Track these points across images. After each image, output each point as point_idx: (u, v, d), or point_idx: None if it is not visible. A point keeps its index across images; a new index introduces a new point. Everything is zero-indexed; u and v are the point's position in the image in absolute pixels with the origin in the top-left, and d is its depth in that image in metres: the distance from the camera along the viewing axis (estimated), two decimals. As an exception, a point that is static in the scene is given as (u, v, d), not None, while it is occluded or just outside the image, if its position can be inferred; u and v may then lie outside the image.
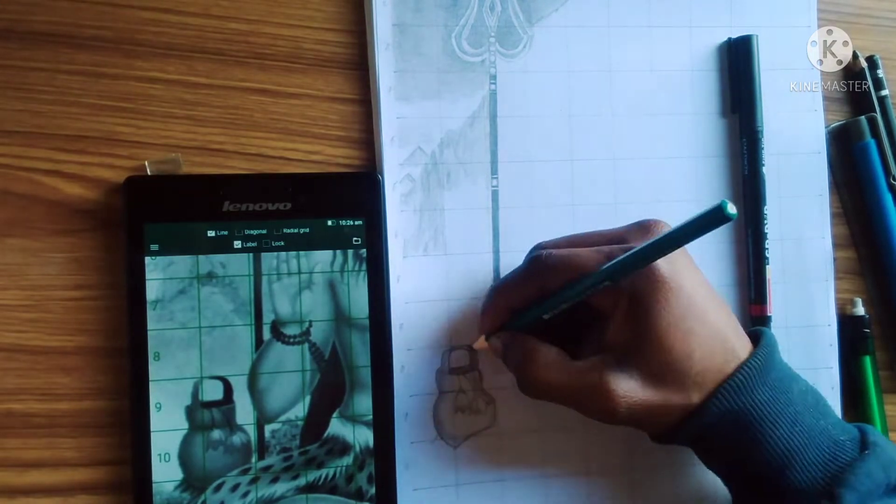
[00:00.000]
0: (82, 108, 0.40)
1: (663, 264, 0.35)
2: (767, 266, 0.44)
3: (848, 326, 0.46)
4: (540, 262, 0.37)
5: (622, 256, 0.34)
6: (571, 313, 0.37)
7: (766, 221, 0.44)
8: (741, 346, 0.36)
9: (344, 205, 0.40)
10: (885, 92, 0.47)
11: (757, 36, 0.45)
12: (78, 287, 0.39)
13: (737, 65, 0.45)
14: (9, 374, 0.38)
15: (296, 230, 0.40)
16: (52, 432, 0.39)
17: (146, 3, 0.40)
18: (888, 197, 0.46)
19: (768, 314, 0.44)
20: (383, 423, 0.40)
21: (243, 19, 0.41)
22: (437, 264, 0.42)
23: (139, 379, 0.38)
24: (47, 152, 0.39)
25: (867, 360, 0.46)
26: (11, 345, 0.39)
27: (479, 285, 0.42)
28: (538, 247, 0.39)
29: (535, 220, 0.43)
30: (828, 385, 0.45)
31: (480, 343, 0.40)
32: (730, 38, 0.45)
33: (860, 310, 0.46)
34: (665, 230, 0.36)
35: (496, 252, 0.43)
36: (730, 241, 0.45)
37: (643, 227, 0.37)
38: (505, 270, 0.42)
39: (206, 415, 0.38)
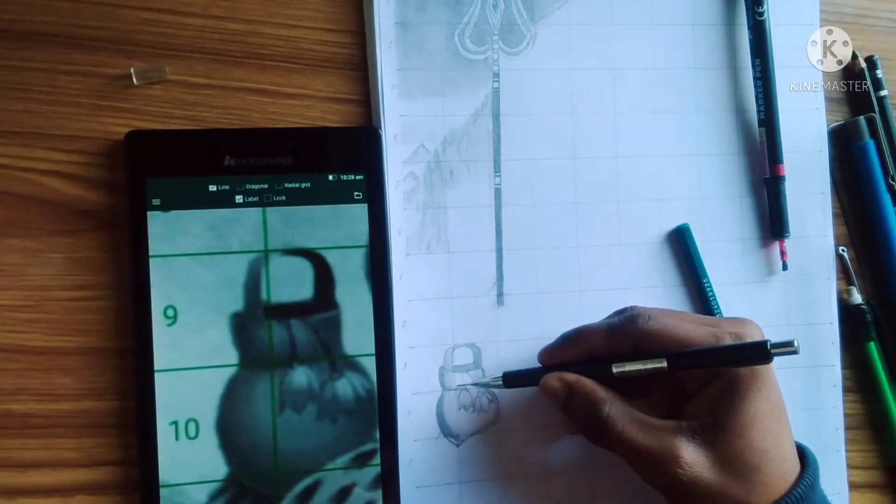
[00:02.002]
0: (81, 109, 0.40)
1: None
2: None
3: (847, 317, 0.46)
4: (643, 324, 0.37)
5: (699, 349, 0.35)
6: None
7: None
8: (796, 459, 0.37)
9: (345, 159, 0.41)
10: (884, 92, 0.47)
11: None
12: (77, 287, 0.39)
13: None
14: (8, 375, 0.38)
15: (297, 185, 0.40)
16: (51, 433, 0.39)
17: (145, 4, 0.40)
18: (887, 197, 0.46)
19: (782, 174, 0.45)
20: (386, 421, 0.40)
21: (242, 20, 0.41)
22: (439, 262, 0.42)
23: (144, 347, 0.38)
24: (46, 152, 0.39)
25: (871, 346, 0.46)
26: (11, 345, 0.39)
27: (481, 283, 0.42)
28: (631, 309, 0.39)
29: (537, 218, 0.43)
30: (829, 383, 0.45)
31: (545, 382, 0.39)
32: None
33: (857, 298, 0.46)
34: (756, 332, 0.37)
35: (499, 250, 0.43)
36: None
37: (738, 322, 0.38)
38: (508, 268, 0.43)
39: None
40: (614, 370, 0.37)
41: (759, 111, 0.45)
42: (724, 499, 0.35)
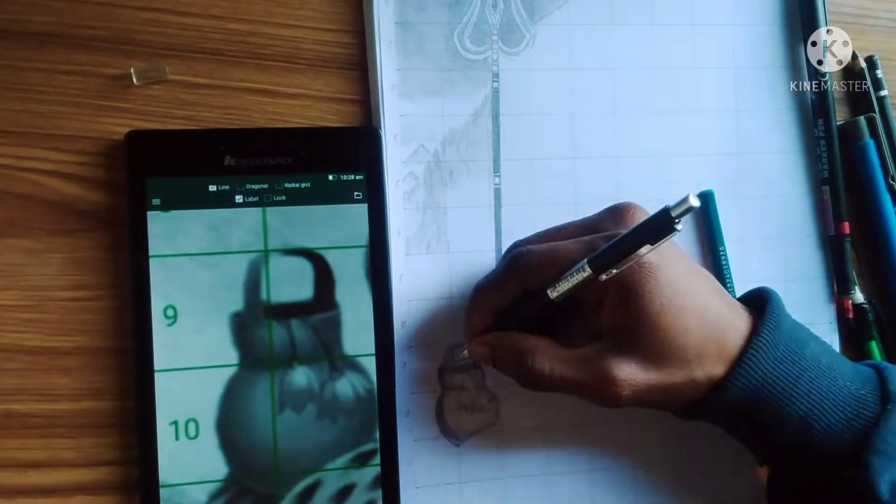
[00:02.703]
0: (81, 109, 0.40)
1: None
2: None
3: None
4: (520, 260, 0.37)
5: (608, 245, 0.34)
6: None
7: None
8: (738, 315, 0.37)
9: (345, 159, 0.41)
10: (884, 92, 0.47)
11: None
12: (77, 287, 0.39)
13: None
14: (8, 375, 0.38)
15: (297, 185, 0.40)
16: (51, 433, 0.39)
17: (145, 4, 0.40)
18: (887, 197, 0.46)
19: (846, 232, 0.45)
20: (386, 421, 0.40)
21: (242, 19, 0.41)
22: (439, 262, 0.42)
23: (144, 348, 0.38)
24: (46, 152, 0.39)
25: (873, 345, 0.46)
26: (10, 345, 0.39)
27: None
28: (514, 245, 0.39)
29: (537, 218, 0.43)
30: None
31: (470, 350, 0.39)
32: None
33: (858, 297, 0.46)
34: (640, 215, 0.37)
35: (499, 250, 0.43)
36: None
37: (616, 212, 0.37)
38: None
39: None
40: (551, 295, 0.36)
41: (822, 170, 0.46)
42: (672, 388, 0.35)
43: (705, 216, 0.45)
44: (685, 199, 0.31)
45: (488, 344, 0.38)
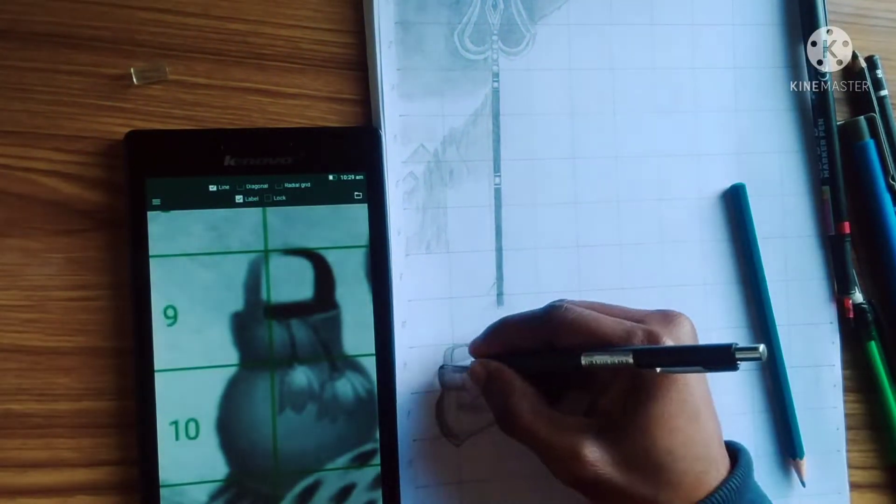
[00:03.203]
0: (81, 109, 0.40)
1: None
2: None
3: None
4: (560, 314, 0.36)
5: (664, 347, 0.34)
6: None
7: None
8: (722, 460, 0.35)
9: (345, 159, 0.41)
10: (884, 92, 0.47)
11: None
12: (77, 287, 0.39)
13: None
14: (7, 375, 0.38)
15: (297, 185, 0.40)
16: (50, 433, 0.38)
17: (145, 4, 0.40)
18: (887, 197, 0.46)
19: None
20: (386, 421, 0.40)
21: (242, 20, 0.41)
22: (439, 262, 0.42)
23: (144, 349, 0.38)
24: (46, 152, 0.39)
25: (872, 345, 0.46)
26: (10, 345, 0.38)
27: (481, 283, 0.42)
28: (559, 301, 0.38)
29: (537, 218, 0.43)
30: (830, 383, 0.45)
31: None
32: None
33: (858, 297, 0.46)
34: (687, 328, 0.36)
35: (499, 250, 0.43)
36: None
37: (666, 316, 0.36)
38: (508, 267, 0.43)
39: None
40: (583, 361, 0.35)
41: (822, 170, 0.45)
42: (630, 498, 0.34)
43: (737, 210, 0.45)
44: (754, 348, 0.30)
45: (488, 370, 0.38)
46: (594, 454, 0.34)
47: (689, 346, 0.34)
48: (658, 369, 0.33)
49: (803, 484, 0.44)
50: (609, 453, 0.34)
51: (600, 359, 0.34)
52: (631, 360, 0.33)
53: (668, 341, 0.34)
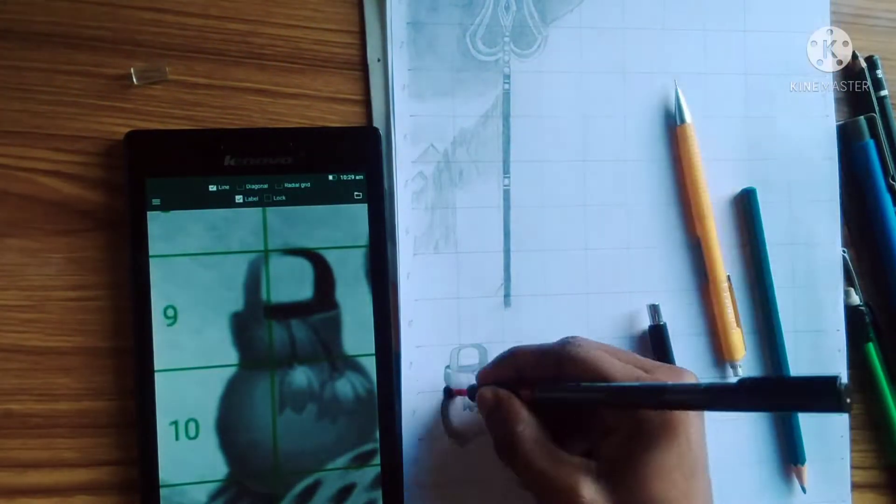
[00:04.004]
0: (81, 109, 0.40)
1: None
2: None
3: (847, 318, 0.46)
4: (568, 349, 0.36)
5: (652, 384, 0.34)
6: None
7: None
8: None
9: (345, 159, 0.41)
10: (884, 92, 0.47)
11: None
12: (77, 287, 0.39)
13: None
14: (7, 375, 0.38)
15: (297, 185, 0.40)
16: (51, 433, 0.39)
17: (145, 4, 0.40)
18: (887, 197, 0.46)
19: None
20: (386, 421, 0.40)
21: (242, 20, 0.41)
22: (447, 262, 0.42)
23: (144, 347, 0.38)
24: (46, 152, 0.39)
25: (870, 346, 0.46)
26: (10, 345, 0.39)
27: (489, 284, 0.42)
28: (573, 337, 0.38)
29: (546, 220, 0.43)
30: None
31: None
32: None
33: (855, 299, 0.46)
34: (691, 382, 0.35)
35: (507, 251, 0.43)
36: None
37: (673, 370, 0.36)
38: (515, 269, 0.43)
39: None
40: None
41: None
42: None
43: (747, 215, 0.45)
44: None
45: (496, 397, 0.37)
46: (591, 494, 0.34)
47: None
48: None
49: (804, 490, 0.44)
50: (605, 496, 0.34)
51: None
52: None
53: None
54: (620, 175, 0.44)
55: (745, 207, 0.45)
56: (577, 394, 0.35)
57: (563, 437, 0.37)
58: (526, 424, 0.36)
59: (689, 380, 0.36)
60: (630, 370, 0.35)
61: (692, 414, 0.35)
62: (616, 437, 0.35)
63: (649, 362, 0.37)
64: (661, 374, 0.35)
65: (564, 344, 0.37)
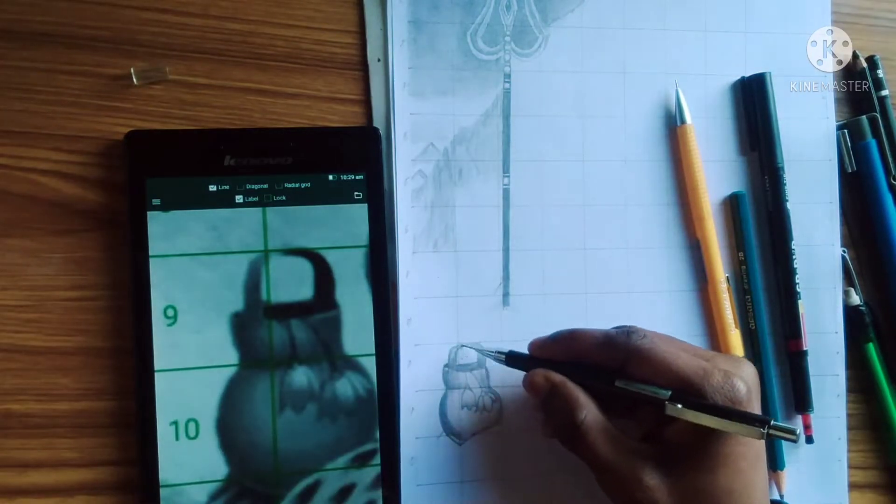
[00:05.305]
0: (81, 109, 0.40)
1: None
2: (799, 301, 0.44)
3: (847, 318, 0.46)
4: (637, 343, 0.36)
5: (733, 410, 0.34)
6: None
7: (794, 257, 0.44)
8: None
9: (345, 159, 0.41)
10: (885, 92, 0.47)
11: (770, 73, 0.45)
12: (77, 287, 0.39)
13: (752, 103, 0.45)
14: (7, 375, 0.38)
15: (297, 185, 0.40)
16: (51, 433, 0.39)
17: (146, 4, 0.40)
18: (888, 197, 0.46)
19: (804, 348, 0.44)
20: (386, 421, 0.40)
21: (242, 20, 0.41)
22: (446, 261, 0.42)
23: (144, 347, 0.38)
24: (46, 152, 0.39)
25: (871, 347, 0.46)
26: (10, 345, 0.39)
27: (487, 283, 0.42)
28: (630, 326, 0.38)
29: (545, 220, 0.43)
30: (833, 392, 0.45)
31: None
32: (743, 78, 0.45)
33: (855, 299, 0.46)
34: (750, 370, 0.36)
35: (506, 250, 0.43)
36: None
37: (731, 358, 0.37)
38: (514, 268, 0.43)
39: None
40: (617, 384, 0.36)
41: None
42: None
43: (735, 218, 0.45)
44: (791, 430, 0.33)
45: (551, 382, 0.37)
46: (654, 480, 0.34)
47: (728, 408, 0.34)
48: (680, 405, 0.34)
49: (781, 497, 0.44)
50: (669, 483, 0.34)
51: (635, 388, 0.36)
52: (667, 398, 0.35)
53: (739, 382, 0.35)
54: (620, 175, 0.44)
55: (734, 212, 0.45)
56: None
57: (612, 418, 0.37)
58: (588, 411, 0.36)
59: (746, 368, 0.36)
60: (698, 363, 0.35)
61: (757, 406, 0.36)
62: (681, 422, 0.35)
63: (708, 352, 0.38)
64: (722, 362, 0.36)
65: (630, 334, 0.36)
